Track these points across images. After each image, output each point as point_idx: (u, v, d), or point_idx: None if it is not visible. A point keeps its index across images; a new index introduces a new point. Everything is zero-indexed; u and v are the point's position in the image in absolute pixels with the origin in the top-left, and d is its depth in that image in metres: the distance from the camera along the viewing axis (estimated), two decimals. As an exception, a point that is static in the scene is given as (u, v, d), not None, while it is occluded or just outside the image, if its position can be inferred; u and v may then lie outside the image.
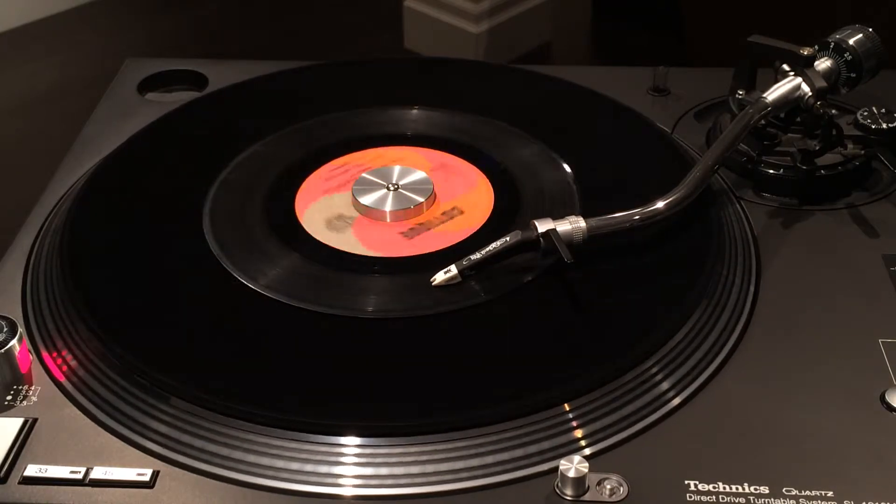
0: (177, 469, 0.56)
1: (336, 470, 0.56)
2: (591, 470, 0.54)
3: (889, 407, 0.59)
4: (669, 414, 0.59)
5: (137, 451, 0.57)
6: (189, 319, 0.65)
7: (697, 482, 0.55)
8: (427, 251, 0.71)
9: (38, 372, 0.62)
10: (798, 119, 0.77)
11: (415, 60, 1.47)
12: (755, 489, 0.55)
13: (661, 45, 1.73)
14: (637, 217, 0.68)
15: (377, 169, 0.78)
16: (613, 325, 0.64)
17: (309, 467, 0.56)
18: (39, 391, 0.61)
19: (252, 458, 0.56)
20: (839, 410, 0.59)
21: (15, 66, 1.81)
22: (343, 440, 0.57)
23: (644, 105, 0.87)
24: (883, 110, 0.77)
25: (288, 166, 0.80)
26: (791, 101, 0.75)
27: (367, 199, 0.75)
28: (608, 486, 0.54)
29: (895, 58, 0.80)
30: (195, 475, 0.56)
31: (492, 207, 0.75)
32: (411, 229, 0.73)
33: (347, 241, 0.72)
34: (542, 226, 0.66)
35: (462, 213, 0.75)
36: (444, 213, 0.75)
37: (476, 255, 0.67)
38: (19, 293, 0.69)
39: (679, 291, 0.65)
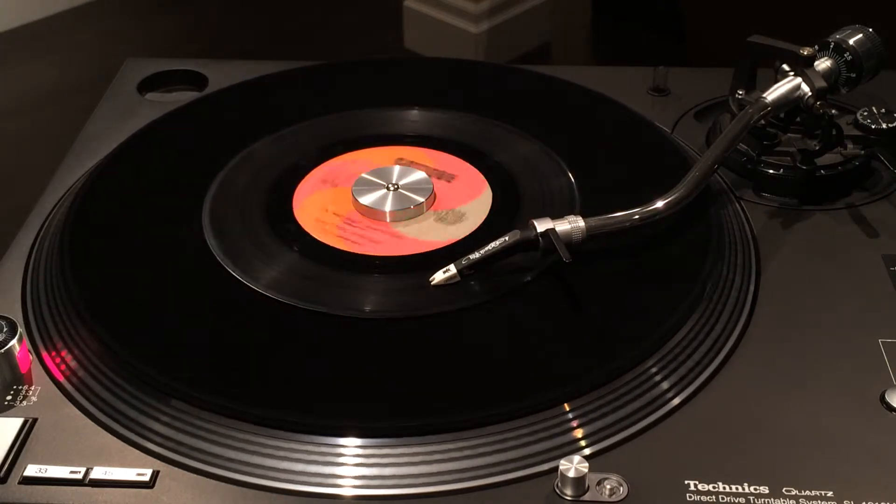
0: (177, 469, 0.56)
1: (336, 470, 0.56)
2: (591, 470, 0.54)
3: (889, 407, 0.59)
4: (669, 414, 0.59)
5: (137, 451, 0.57)
6: (189, 320, 0.65)
7: (697, 482, 0.55)
8: (427, 251, 0.71)
9: (38, 372, 0.62)
10: (798, 119, 0.77)
11: (415, 60, 1.47)
12: (755, 489, 0.55)
13: (661, 45, 1.73)
14: (636, 217, 0.68)
15: (377, 169, 0.78)
16: (613, 325, 0.64)
17: (309, 467, 0.56)
18: (39, 391, 0.61)
19: (252, 458, 0.56)
20: (839, 410, 0.59)
21: (15, 66, 1.81)
22: (343, 440, 0.57)
23: (644, 105, 0.87)
24: (883, 110, 0.77)
25: (288, 166, 0.80)
26: (791, 101, 0.75)
27: (366, 199, 0.75)
28: (608, 486, 0.54)
29: (895, 58, 0.80)
30: (195, 475, 0.56)
31: (491, 207, 0.75)
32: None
33: (469, 222, 0.73)
34: (541, 225, 0.66)
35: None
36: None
37: (475, 255, 0.67)
38: (19, 293, 0.69)
39: (679, 291, 0.65)
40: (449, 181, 0.78)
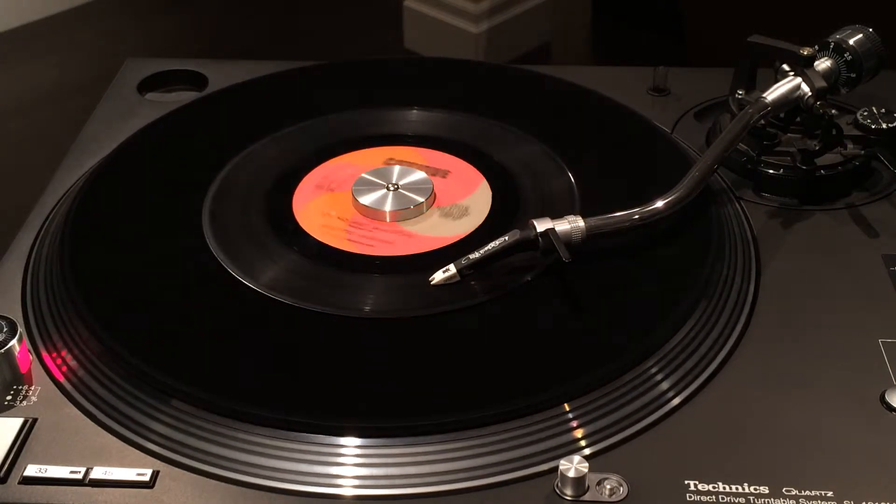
0: (177, 469, 0.56)
1: (335, 470, 0.56)
2: (591, 470, 0.54)
3: (889, 407, 0.59)
4: (669, 414, 0.59)
5: (137, 451, 0.57)
6: (189, 320, 0.65)
7: (697, 482, 0.55)
8: (427, 251, 0.71)
9: (38, 372, 0.62)
10: (798, 119, 0.77)
11: (415, 60, 1.47)
12: (755, 489, 0.55)
13: (661, 45, 1.73)
14: (636, 216, 0.68)
15: (377, 169, 0.78)
16: (613, 325, 0.64)
17: (309, 467, 0.56)
18: (39, 391, 0.61)
19: (252, 458, 0.56)
20: (839, 410, 0.59)
21: (15, 66, 1.81)
22: (342, 440, 0.57)
23: (644, 105, 0.87)
24: (883, 110, 0.77)
25: (288, 166, 0.80)
26: (791, 101, 0.75)
27: (366, 199, 0.75)
28: (608, 486, 0.54)
29: (895, 58, 0.80)
30: (195, 475, 0.56)
31: (491, 207, 0.75)
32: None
33: (469, 222, 0.73)
34: (541, 225, 0.66)
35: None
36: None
37: (475, 255, 0.67)
38: (19, 293, 0.69)
39: (679, 291, 0.65)
40: (449, 181, 0.78)
